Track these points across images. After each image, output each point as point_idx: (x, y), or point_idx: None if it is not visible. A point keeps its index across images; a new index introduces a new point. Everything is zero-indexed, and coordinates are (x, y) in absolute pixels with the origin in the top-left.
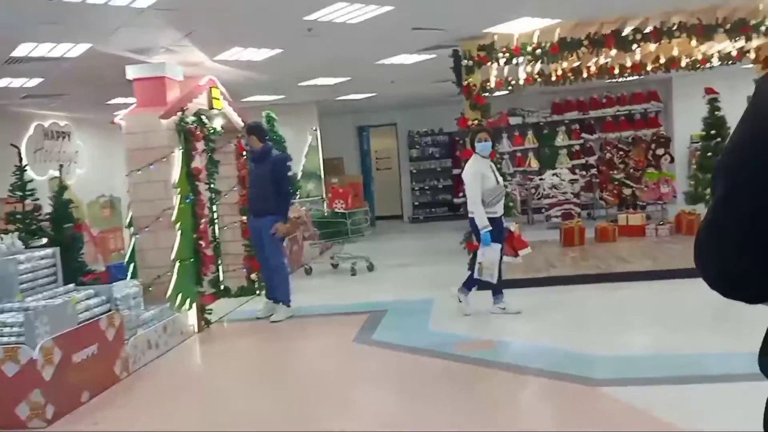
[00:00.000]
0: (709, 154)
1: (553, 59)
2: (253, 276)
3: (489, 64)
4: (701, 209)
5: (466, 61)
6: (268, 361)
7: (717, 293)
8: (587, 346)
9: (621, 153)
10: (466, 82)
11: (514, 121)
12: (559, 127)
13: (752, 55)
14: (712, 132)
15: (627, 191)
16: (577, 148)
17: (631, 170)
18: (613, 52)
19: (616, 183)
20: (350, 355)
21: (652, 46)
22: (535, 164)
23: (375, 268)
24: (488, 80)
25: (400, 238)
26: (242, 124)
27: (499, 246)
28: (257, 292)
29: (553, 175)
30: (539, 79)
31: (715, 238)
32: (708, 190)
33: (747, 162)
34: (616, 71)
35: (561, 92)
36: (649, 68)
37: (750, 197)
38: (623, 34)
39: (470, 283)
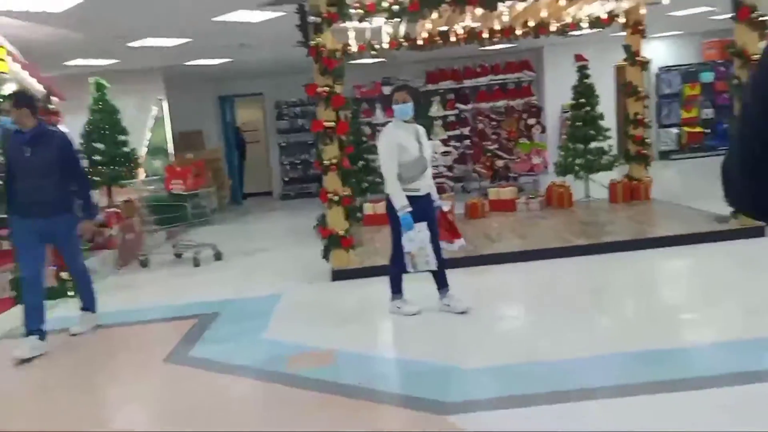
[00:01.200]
0: (579, 123)
1: (413, 17)
2: (64, 275)
3: (341, 22)
4: (572, 181)
5: (314, 18)
6: (27, 399)
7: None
8: (448, 353)
9: (493, 123)
10: (315, 43)
11: (388, 91)
12: (434, 97)
13: (622, 19)
14: (581, 100)
15: (500, 163)
16: (453, 118)
17: (504, 141)
18: (480, 12)
19: (489, 155)
20: (152, 383)
21: (519, 6)
22: None
23: (223, 256)
24: (348, 44)
25: (266, 218)
26: (45, 92)
27: (424, 224)
28: (69, 293)
29: None
30: (405, 43)
31: (744, 141)
32: (578, 161)
33: None
34: (485, 35)
35: (435, 61)
36: (518, 32)
37: None
38: None
39: (395, 284)
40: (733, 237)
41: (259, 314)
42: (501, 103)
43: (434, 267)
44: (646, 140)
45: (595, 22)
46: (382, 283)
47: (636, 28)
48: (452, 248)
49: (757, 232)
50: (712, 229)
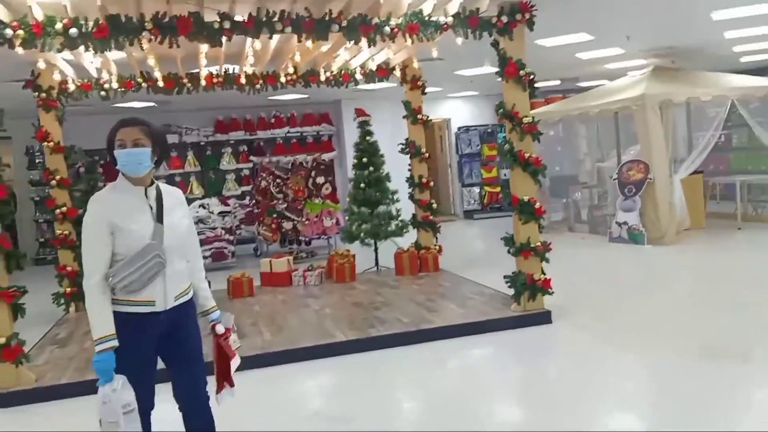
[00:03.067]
0: (362, 185)
1: (103, 46)
2: None
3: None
4: (358, 249)
5: None
6: None
7: None
8: None
9: (278, 180)
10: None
11: (169, 139)
12: (225, 148)
13: (398, 74)
14: (364, 160)
15: (287, 225)
16: (246, 172)
17: (291, 201)
18: (205, 47)
19: (274, 216)
20: None
21: (256, 43)
22: (198, 191)
23: None
24: (65, 81)
25: None
26: None
27: (121, 380)
28: None
29: (200, 206)
30: (144, 84)
31: None
32: (364, 227)
33: None
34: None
35: (225, 109)
36: (283, 80)
37: None
38: (206, 19)
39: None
40: (519, 324)
41: None
42: (287, 159)
43: None
44: (432, 204)
45: (371, 75)
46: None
47: (415, 83)
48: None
49: (543, 318)
50: (497, 315)
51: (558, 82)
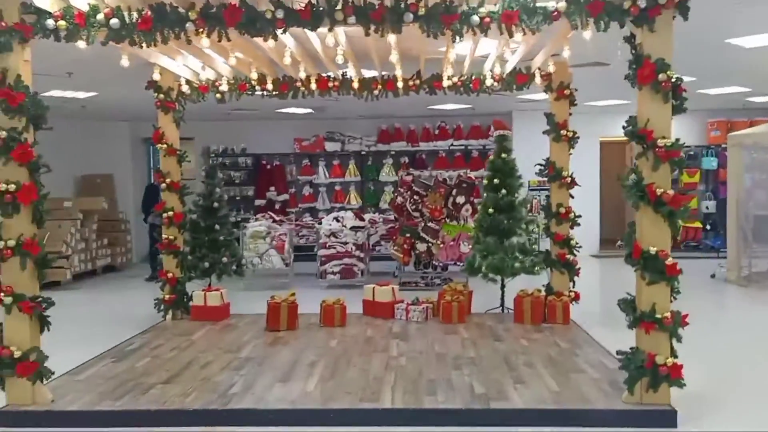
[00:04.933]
0: (491, 211)
1: (148, 39)
2: None
3: (36, 36)
4: (478, 284)
5: None
6: None
7: None
8: None
9: (416, 197)
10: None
11: (331, 147)
12: (386, 158)
13: (538, 80)
14: (496, 181)
15: (421, 247)
16: None
17: (429, 221)
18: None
19: (407, 236)
20: None
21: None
22: (356, 201)
23: None
24: (179, 81)
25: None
26: None
27: None
28: None
29: (334, 219)
30: (258, 87)
31: None
32: (489, 259)
33: None
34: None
35: (389, 118)
36: (399, 85)
37: None
38: (259, 8)
39: None
40: (626, 422)
41: None
42: (427, 173)
43: None
44: (572, 241)
45: (509, 81)
46: None
47: (561, 92)
48: None
49: (664, 419)
50: (600, 404)
51: None
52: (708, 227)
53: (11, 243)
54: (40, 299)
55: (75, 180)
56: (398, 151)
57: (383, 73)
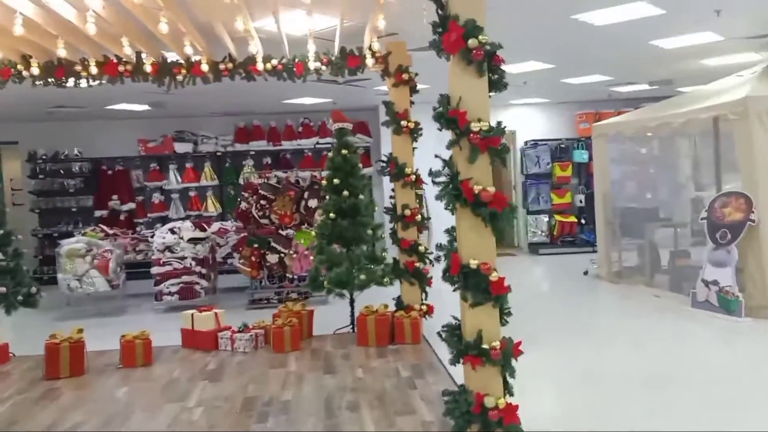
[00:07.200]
0: (332, 215)
1: None
2: None
3: None
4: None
5: None
6: None
7: None
8: None
9: (263, 202)
10: None
11: (182, 148)
12: (246, 159)
13: (370, 63)
14: (335, 181)
15: (272, 258)
16: None
17: (279, 228)
18: None
19: (255, 246)
20: None
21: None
22: (214, 207)
23: None
24: None
25: None
26: None
27: None
28: None
29: (169, 230)
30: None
31: None
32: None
33: None
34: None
35: (245, 115)
36: (205, 69)
37: None
38: None
39: None
40: None
41: None
42: (275, 174)
43: None
44: (419, 247)
45: (338, 65)
46: None
47: (400, 76)
48: None
49: None
50: None
51: (645, 86)
52: (583, 221)
53: None
54: None
55: None
56: (259, 150)
57: (194, 57)
